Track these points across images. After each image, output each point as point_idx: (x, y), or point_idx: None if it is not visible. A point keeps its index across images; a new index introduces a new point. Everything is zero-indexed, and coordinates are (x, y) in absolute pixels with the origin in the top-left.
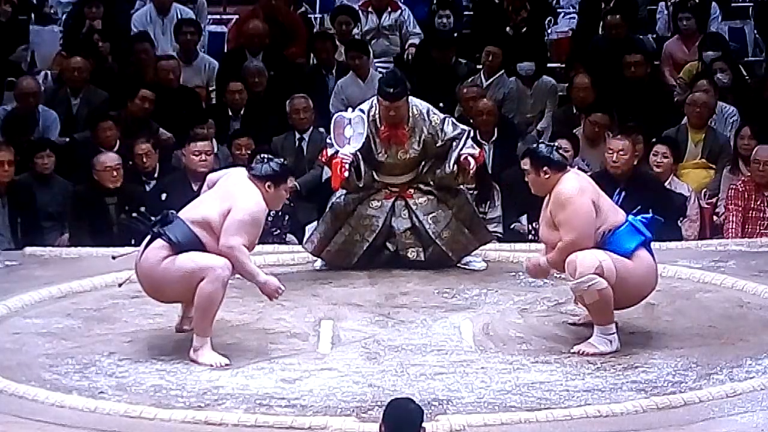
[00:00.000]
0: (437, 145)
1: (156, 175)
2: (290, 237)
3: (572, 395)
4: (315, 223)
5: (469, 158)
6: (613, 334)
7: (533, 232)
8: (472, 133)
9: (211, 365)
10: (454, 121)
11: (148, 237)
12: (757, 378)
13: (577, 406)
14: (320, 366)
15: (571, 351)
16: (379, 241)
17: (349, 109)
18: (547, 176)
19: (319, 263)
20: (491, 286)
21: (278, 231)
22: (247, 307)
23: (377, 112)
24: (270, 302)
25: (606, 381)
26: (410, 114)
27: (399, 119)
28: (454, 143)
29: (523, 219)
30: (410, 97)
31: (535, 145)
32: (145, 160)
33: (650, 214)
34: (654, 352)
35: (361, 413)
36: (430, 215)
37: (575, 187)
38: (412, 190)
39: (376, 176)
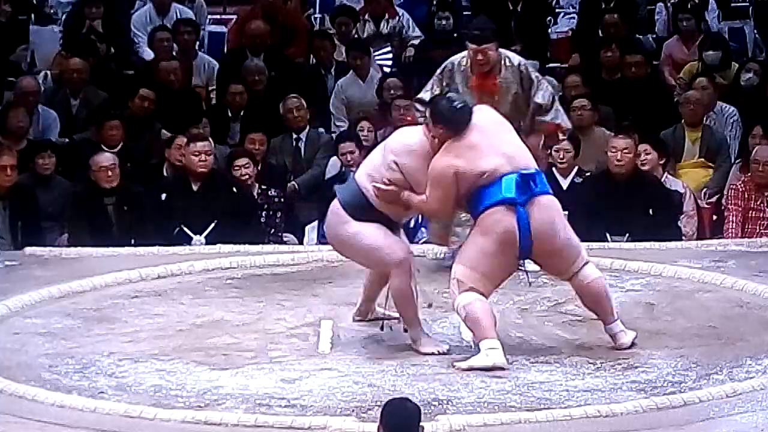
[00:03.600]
0: (529, 106)
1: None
2: (289, 237)
3: (572, 395)
4: (315, 223)
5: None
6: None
7: None
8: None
9: (433, 353)
10: (543, 82)
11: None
12: (757, 378)
13: (576, 406)
14: (320, 366)
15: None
16: None
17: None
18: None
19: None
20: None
21: (273, 230)
22: (247, 307)
23: (468, 62)
24: (270, 302)
25: (606, 381)
26: (502, 65)
27: (488, 66)
28: (539, 115)
29: None
30: (504, 51)
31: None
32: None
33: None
34: (654, 352)
35: (361, 413)
36: None
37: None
38: None
39: None
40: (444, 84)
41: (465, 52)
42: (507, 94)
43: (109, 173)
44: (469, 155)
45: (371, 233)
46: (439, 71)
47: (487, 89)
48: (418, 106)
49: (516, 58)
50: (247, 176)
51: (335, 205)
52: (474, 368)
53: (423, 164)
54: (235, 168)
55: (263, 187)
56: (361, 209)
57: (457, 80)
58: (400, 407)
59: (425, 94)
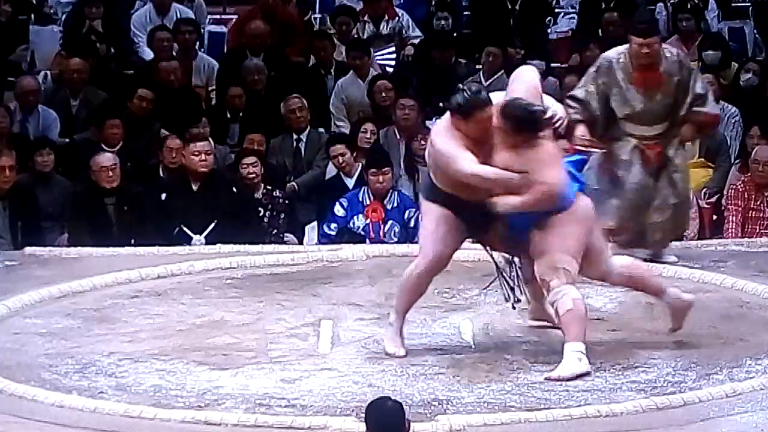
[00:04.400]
0: (687, 100)
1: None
2: (289, 237)
3: (572, 395)
4: (315, 223)
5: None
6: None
7: None
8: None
9: (388, 353)
10: (700, 77)
11: None
12: (757, 378)
13: (576, 406)
14: (320, 366)
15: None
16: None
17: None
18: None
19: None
20: (491, 285)
21: (275, 231)
22: (247, 307)
23: (627, 57)
24: (270, 302)
25: (606, 381)
26: (663, 56)
27: (652, 60)
28: (696, 106)
29: None
30: (665, 46)
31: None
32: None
33: (579, 156)
34: (654, 352)
35: (361, 413)
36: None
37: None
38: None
39: (625, 129)
40: (600, 81)
41: (620, 48)
42: (670, 85)
43: (110, 173)
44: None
45: (425, 223)
46: (593, 69)
47: (652, 83)
48: (571, 102)
49: (673, 49)
50: (254, 175)
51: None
52: (569, 377)
53: None
54: (243, 166)
55: (268, 187)
56: (434, 193)
57: (618, 76)
58: (382, 408)
59: (579, 91)
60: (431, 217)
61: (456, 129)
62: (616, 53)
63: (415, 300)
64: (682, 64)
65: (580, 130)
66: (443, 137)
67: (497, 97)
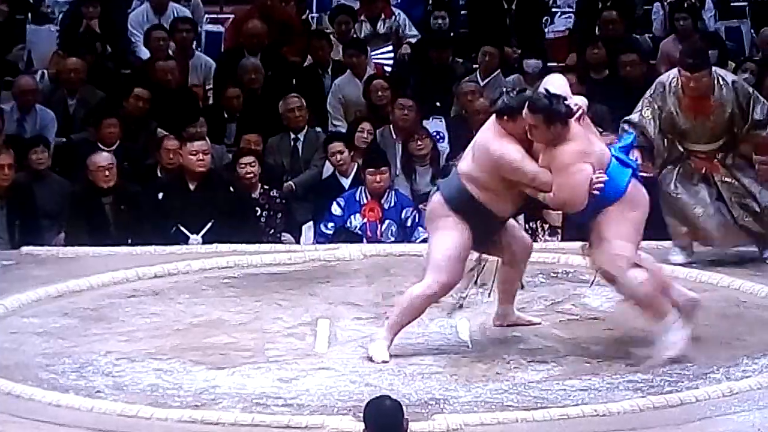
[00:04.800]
0: (745, 126)
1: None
2: (287, 236)
3: (569, 394)
4: (311, 222)
5: None
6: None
7: (530, 232)
8: None
9: (372, 358)
10: (759, 96)
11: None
12: (754, 377)
13: (573, 405)
14: (317, 365)
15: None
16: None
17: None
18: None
19: (680, 257)
20: (488, 285)
21: (272, 230)
22: (244, 307)
23: (679, 83)
24: (267, 301)
25: (602, 380)
26: (716, 85)
27: (702, 92)
28: (754, 129)
29: (520, 219)
30: (716, 69)
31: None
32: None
33: (628, 140)
34: (650, 351)
35: (358, 412)
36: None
37: (579, 151)
38: (719, 166)
39: (681, 146)
40: (656, 106)
41: (673, 71)
42: (723, 113)
43: (107, 173)
44: (585, 141)
45: (449, 242)
46: (650, 92)
47: (703, 110)
48: (626, 126)
49: (729, 76)
50: (251, 175)
51: (438, 198)
52: (675, 352)
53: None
54: (240, 166)
55: (265, 187)
56: (465, 203)
57: (669, 102)
58: (381, 407)
59: (634, 116)
60: (456, 235)
61: (504, 132)
62: (668, 77)
63: (414, 318)
64: (738, 92)
65: (634, 155)
66: (500, 142)
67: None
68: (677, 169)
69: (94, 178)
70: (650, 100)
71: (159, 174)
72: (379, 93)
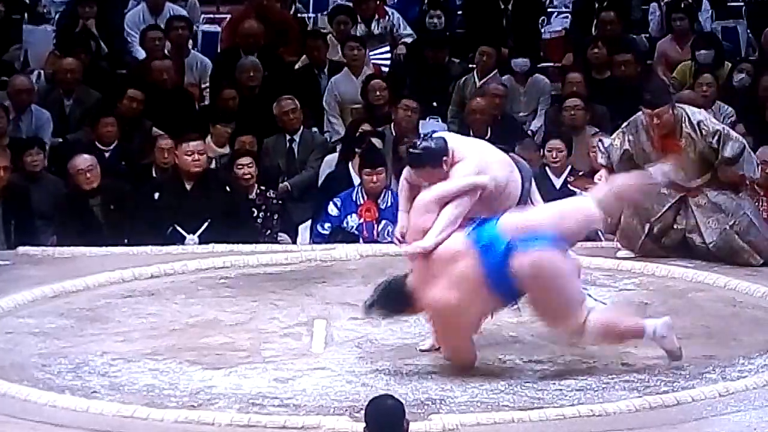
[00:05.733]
0: (715, 161)
1: None
2: (283, 236)
3: (565, 395)
4: (309, 222)
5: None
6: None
7: None
8: (744, 148)
9: None
10: (730, 133)
11: None
12: (750, 377)
13: (569, 405)
14: (313, 365)
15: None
16: (657, 229)
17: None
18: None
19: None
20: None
21: (269, 231)
22: (240, 307)
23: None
24: (263, 301)
25: (599, 380)
26: (683, 123)
27: (665, 129)
28: (726, 164)
29: None
30: (684, 106)
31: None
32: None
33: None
34: (646, 351)
35: (354, 413)
36: (709, 219)
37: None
38: (698, 192)
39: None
40: (628, 138)
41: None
42: (692, 150)
43: (87, 175)
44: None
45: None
46: (626, 124)
47: (670, 149)
48: (601, 147)
49: (697, 115)
50: (249, 176)
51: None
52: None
53: None
54: (238, 167)
55: (262, 188)
56: None
57: (641, 138)
58: (382, 406)
59: (607, 140)
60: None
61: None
62: (641, 113)
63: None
64: (705, 130)
65: (602, 173)
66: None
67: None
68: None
69: (76, 180)
70: (624, 132)
71: (155, 174)
72: (377, 93)
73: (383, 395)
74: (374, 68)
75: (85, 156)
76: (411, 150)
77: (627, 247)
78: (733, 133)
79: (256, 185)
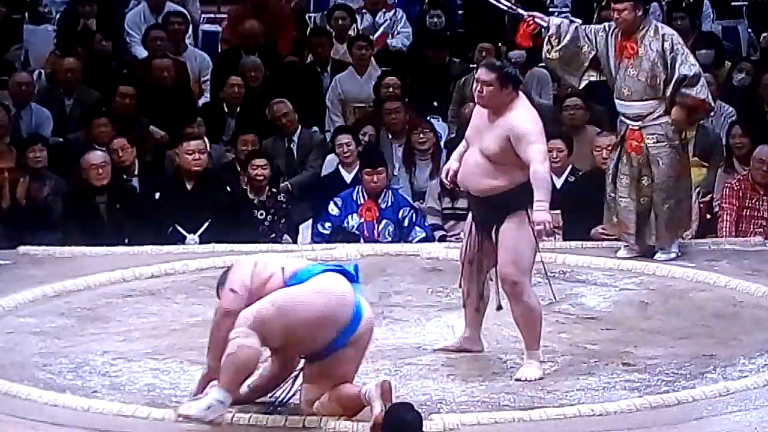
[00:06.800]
0: (665, 78)
1: (136, 171)
2: (284, 236)
3: (565, 394)
4: (309, 221)
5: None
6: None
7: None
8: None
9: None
10: (694, 60)
11: None
12: (751, 377)
13: (570, 405)
14: None
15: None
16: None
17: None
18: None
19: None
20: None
21: (274, 234)
22: None
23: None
24: None
25: (599, 380)
26: (648, 31)
27: (626, 26)
28: (684, 87)
29: None
30: (657, 22)
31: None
32: (121, 154)
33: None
34: (647, 351)
35: None
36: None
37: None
38: (639, 140)
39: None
40: (600, 35)
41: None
42: (646, 59)
43: (100, 171)
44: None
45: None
46: (595, 25)
47: (626, 51)
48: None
49: (665, 29)
50: (262, 177)
51: None
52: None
53: None
54: (253, 167)
55: (273, 190)
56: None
57: (608, 42)
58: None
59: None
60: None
61: None
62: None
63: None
64: (667, 42)
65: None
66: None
67: None
68: (617, 157)
69: (88, 176)
70: (594, 28)
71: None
72: (390, 89)
73: (406, 403)
74: (378, 40)
75: (98, 152)
76: (505, 69)
77: (626, 232)
78: (693, 59)
79: (267, 187)
